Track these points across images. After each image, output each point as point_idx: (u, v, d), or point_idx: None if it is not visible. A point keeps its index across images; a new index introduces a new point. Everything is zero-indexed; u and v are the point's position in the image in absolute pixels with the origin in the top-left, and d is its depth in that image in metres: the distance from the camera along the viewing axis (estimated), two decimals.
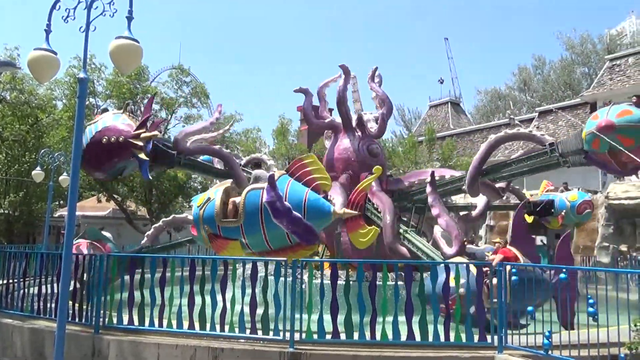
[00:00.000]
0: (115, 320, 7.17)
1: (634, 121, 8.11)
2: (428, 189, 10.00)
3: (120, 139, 9.05)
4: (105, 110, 10.85)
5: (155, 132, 9.33)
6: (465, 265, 7.00)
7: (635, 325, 5.22)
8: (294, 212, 6.86)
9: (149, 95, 29.49)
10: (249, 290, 6.85)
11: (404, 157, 30.35)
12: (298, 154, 31.64)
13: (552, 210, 13.39)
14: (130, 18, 6.00)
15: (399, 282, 6.72)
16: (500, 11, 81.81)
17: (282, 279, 6.80)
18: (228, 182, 8.07)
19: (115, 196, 27.55)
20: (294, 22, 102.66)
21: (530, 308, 6.09)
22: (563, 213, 13.54)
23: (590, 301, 5.49)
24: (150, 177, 9.79)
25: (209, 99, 32.07)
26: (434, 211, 9.68)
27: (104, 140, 9.09)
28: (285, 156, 32.86)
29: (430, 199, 9.84)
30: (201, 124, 13.27)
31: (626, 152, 7.99)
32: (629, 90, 27.50)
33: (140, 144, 9.02)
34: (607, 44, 43.47)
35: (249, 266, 7.64)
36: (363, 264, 7.27)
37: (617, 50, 34.68)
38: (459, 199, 13.93)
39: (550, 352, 5.69)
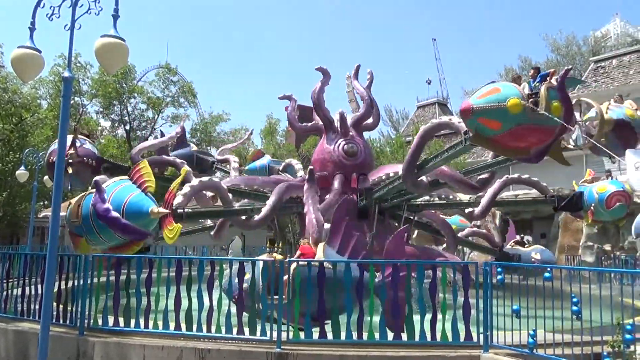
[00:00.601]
0: (100, 322, 7.10)
1: (497, 101, 7.07)
2: (306, 186, 10.39)
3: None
4: (88, 135, 11.71)
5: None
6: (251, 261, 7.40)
7: (618, 324, 5.29)
8: (112, 212, 7.72)
9: (135, 95, 29.32)
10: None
11: (391, 157, 30.51)
12: (286, 154, 31.63)
13: (582, 204, 11.87)
14: (116, 16, 5.95)
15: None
16: (487, 13, 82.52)
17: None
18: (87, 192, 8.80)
19: None
20: (282, 22, 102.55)
21: (515, 307, 6.15)
22: (592, 207, 11.71)
23: (574, 300, 5.55)
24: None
25: (197, 98, 31.97)
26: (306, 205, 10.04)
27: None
28: (273, 156, 32.82)
29: (305, 195, 10.29)
30: (158, 140, 14.37)
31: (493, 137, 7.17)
32: (613, 91, 27.88)
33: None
34: (591, 46, 44.04)
35: (236, 267, 7.61)
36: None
37: (601, 52, 35.16)
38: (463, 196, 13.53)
39: (535, 351, 5.75)
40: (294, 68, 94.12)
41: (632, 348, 5.04)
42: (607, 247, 22.85)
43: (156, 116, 30.48)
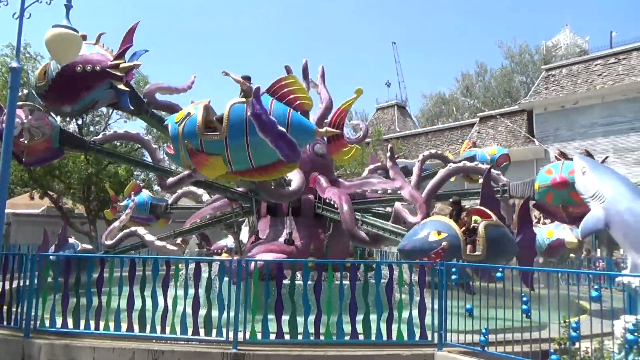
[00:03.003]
0: (47, 323, 6.81)
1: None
2: (388, 163, 10.27)
3: (97, 68, 8.36)
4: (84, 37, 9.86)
5: (137, 62, 8.82)
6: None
7: (565, 322, 5.50)
8: (278, 126, 6.81)
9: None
10: (191, 291, 6.70)
11: (350, 159, 30.67)
12: None
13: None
14: (68, 6, 5.75)
15: (344, 282, 6.78)
16: (445, 18, 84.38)
17: (226, 278, 6.70)
18: (206, 100, 7.74)
19: (51, 193, 26.22)
20: (241, 18, 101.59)
21: (469, 306, 6.31)
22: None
23: (524, 299, 5.74)
24: (131, 108, 9.16)
25: None
26: (397, 184, 9.92)
27: (78, 69, 8.27)
28: None
29: (391, 173, 10.18)
30: (174, 85, 12.98)
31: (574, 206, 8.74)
32: (562, 99, 29.11)
33: (120, 74, 8.45)
34: (543, 55, 45.80)
35: (192, 266, 7.47)
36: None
37: (552, 61, 36.58)
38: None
39: (486, 349, 5.92)
40: (255, 65, 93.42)
41: (577, 345, 5.26)
42: None
43: (110, 111, 29.54)
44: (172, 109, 9.94)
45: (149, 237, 11.53)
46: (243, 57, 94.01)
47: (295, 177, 10.34)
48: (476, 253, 7.72)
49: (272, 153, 7.12)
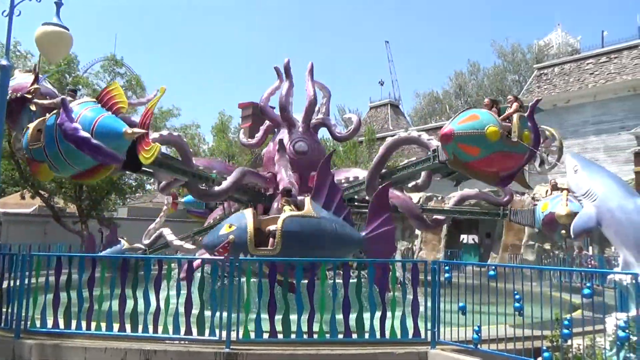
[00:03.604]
0: (38, 324, 6.75)
1: (476, 128, 7.56)
2: (276, 156, 10.71)
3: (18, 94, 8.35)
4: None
5: (36, 86, 8.58)
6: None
7: (557, 320, 5.53)
8: (81, 132, 7.18)
9: (80, 87, 28.18)
10: (184, 291, 6.67)
11: (344, 157, 30.75)
12: (238, 151, 31.22)
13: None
14: (59, 4, 5.69)
15: (337, 280, 6.77)
16: (439, 17, 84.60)
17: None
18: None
19: (42, 192, 26.01)
20: (234, 18, 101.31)
21: (462, 304, 6.32)
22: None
23: (517, 296, 5.76)
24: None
25: (145, 91, 30.97)
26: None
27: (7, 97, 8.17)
28: (225, 153, 32.30)
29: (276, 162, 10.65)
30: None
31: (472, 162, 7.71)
32: (554, 97, 29.27)
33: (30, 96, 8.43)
34: (535, 54, 46.02)
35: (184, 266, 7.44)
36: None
37: (544, 60, 36.76)
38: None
39: (479, 346, 5.93)
40: (246, 65, 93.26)
41: (569, 342, 5.28)
42: (547, 246, 23.94)
43: None
44: (177, 144, 10.09)
45: (170, 237, 12.58)
46: (235, 57, 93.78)
47: (224, 182, 10.38)
48: (269, 247, 7.41)
49: (88, 158, 7.56)
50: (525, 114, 7.76)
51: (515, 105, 7.77)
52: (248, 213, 7.79)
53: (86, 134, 7.21)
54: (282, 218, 7.51)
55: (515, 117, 7.45)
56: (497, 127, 7.46)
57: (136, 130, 7.32)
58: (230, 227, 7.45)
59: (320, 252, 7.31)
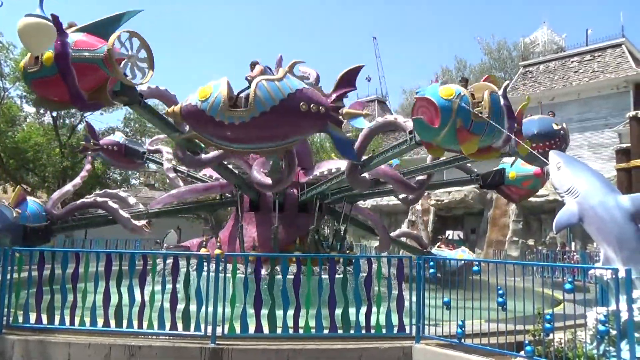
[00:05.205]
0: (21, 319, 6.67)
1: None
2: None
3: (322, 109, 7.12)
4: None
5: (367, 113, 7.80)
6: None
7: (539, 314, 5.61)
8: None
9: None
10: (169, 286, 6.64)
11: (331, 152, 30.70)
12: None
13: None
14: None
15: (323, 276, 6.79)
16: (426, 13, 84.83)
17: (204, 273, 6.65)
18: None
19: (25, 186, 25.67)
20: (222, 8, 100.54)
21: (446, 299, 6.38)
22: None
23: (500, 292, 5.84)
24: (357, 158, 8.88)
25: None
26: None
27: (303, 107, 7.02)
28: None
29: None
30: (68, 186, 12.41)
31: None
32: (539, 95, 29.54)
33: (341, 119, 7.40)
34: (521, 52, 46.36)
35: (169, 261, 7.39)
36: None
37: (530, 58, 37.07)
38: None
39: (463, 340, 6.01)
40: (231, 60, 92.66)
41: (550, 336, 5.37)
42: (531, 242, 24.27)
43: None
44: (164, 96, 9.38)
45: (123, 214, 10.86)
46: (221, 52, 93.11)
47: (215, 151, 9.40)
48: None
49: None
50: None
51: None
52: None
53: None
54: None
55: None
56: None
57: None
58: None
59: None
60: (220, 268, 6.36)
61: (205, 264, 6.52)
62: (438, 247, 15.43)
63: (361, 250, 22.86)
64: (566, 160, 6.08)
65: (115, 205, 10.92)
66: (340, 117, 7.17)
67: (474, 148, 7.09)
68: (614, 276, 4.85)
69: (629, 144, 20.56)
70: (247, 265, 8.62)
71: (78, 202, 11.43)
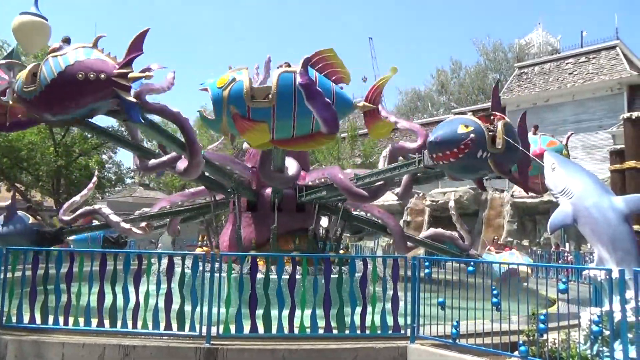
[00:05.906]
0: (14, 319, 6.64)
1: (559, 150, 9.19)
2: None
3: (102, 76, 7.39)
4: (67, 40, 8.04)
5: (149, 74, 7.96)
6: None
7: (533, 315, 5.64)
8: (325, 97, 6.96)
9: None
10: (164, 285, 6.62)
11: (327, 153, 30.77)
12: (220, 146, 30.94)
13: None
14: None
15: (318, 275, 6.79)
16: (422, 14, 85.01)
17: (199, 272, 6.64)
18: (245, 67, 7.68)
19: (18, 185, 25.54)
20: (214, 11, 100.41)
21: (441, 299, 6.40)
22: None
23: (495, 292, 5.86)
24: (141, 120, 8.27)
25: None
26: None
27: (80, 76, 7.36)
28: (205, 148, 32.02)
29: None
30: (159, 85, 12.11)
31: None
32: (534, 96, 29.70)
33: (127, 84, 7.61)
34: (516, 53, 46.62)
35: (164, 260, 7.37)
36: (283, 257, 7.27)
37: (525, 59, 37.26)
38: None
39: (457, 341, 6.02)
40: (227, 62, 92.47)
41: (544, 337, 5.39)
42: (525, 243, 24.36)
43: None
44: (165, 112, 9.00)
45: (114, 218, 10.96)
46: (215, 53, 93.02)
47: (291, 165, 10.15)
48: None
49: (315, 124, 7.27)
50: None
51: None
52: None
53: (328, 100, 7.05)
54: None
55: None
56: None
57: (366, 104, 7.22)
58: (467, 127, 7.05)
59: None
60: (216, 267, 6.35)
61: (200, 263, 6.50)
62: (488, 250, 14.88)
63: (357, 250, 22.90)
64: (560, 162, 6.12)
65: (108, 211, 11.39)
66: (126, 82, 7.40)
67: (264, 137, 7.33)
68: (607, 277, 4.88)
69: (623, 146, 20.67)
70: (243, 264, 8.59)
71: (82, 209, 12.10)
